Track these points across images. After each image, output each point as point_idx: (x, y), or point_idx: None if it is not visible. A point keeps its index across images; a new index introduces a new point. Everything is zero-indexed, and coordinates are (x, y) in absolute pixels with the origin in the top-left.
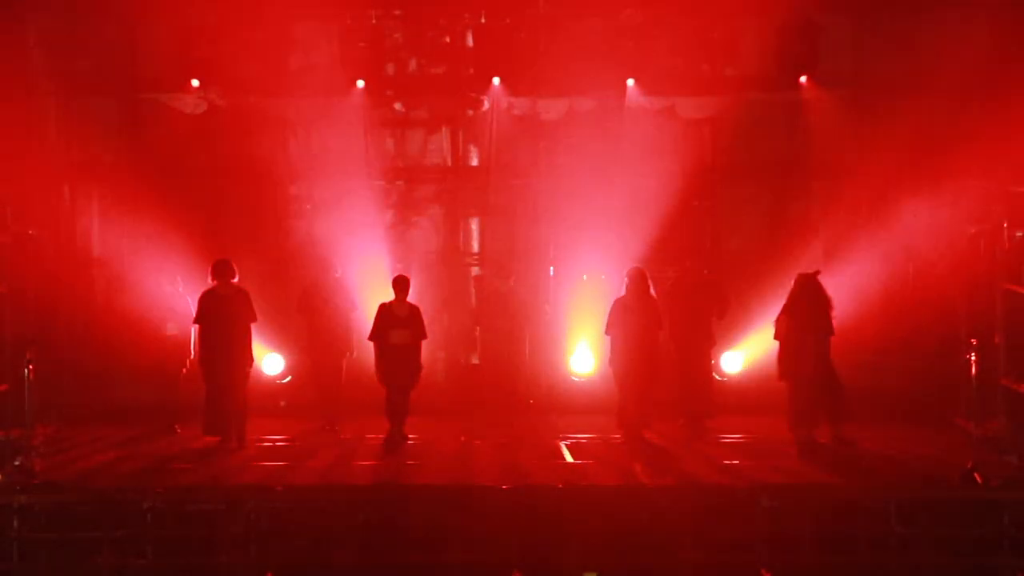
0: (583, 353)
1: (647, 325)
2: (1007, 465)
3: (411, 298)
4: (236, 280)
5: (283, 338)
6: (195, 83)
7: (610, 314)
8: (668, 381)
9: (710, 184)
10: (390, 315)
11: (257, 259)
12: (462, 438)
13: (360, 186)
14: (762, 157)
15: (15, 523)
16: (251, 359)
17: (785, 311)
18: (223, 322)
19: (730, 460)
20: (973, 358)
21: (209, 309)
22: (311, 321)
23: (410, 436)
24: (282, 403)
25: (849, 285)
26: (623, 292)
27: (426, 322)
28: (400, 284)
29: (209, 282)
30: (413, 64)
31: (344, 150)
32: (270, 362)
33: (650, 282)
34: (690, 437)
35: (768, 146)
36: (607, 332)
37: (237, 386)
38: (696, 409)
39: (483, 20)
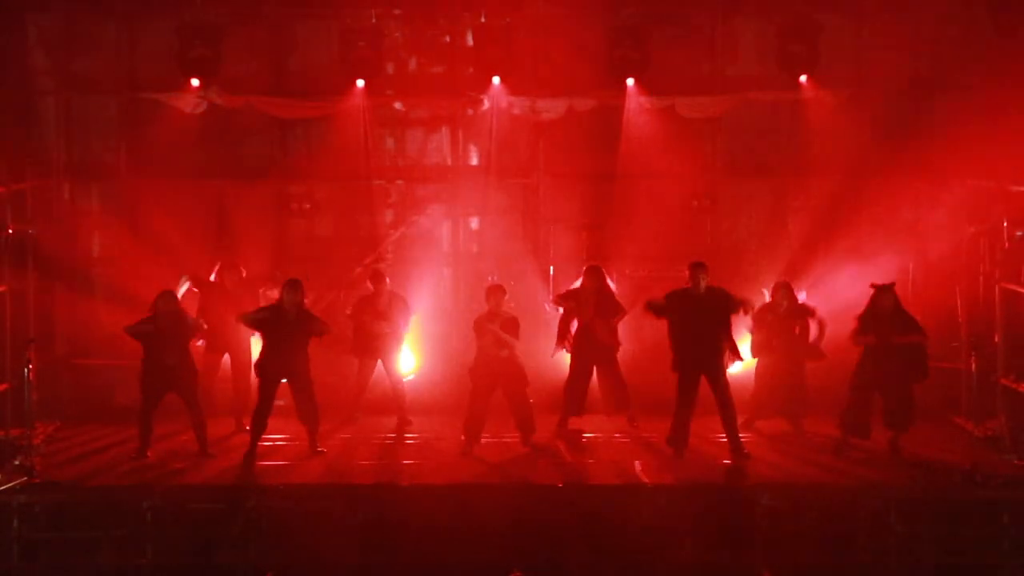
0: None
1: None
2: (1007, 465)
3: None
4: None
5: None
6: (195, 83)
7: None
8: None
9: (710, 184)
10: (371, 308)
11: (256, 259)
12: (462, 437)
13: (360, 186)
14: (762, 157)
15: (15, 523)
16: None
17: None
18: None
19: (730, 460)
20: (973, 357)
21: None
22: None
23: (411, 435)
24: (281, 402)
25: (848, 285)
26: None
27: (425, 322)
28: (376, 278)
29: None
30: (413, 63)
31: (344, 150)
32: None
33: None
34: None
35: (768, 146)
36: None
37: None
38: None
39: (483, 20)
